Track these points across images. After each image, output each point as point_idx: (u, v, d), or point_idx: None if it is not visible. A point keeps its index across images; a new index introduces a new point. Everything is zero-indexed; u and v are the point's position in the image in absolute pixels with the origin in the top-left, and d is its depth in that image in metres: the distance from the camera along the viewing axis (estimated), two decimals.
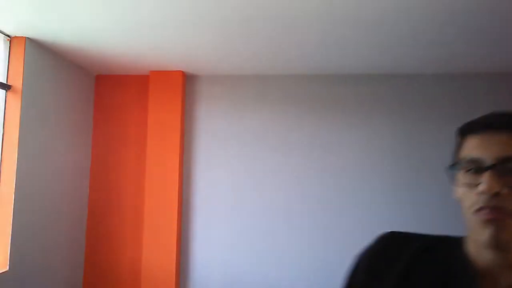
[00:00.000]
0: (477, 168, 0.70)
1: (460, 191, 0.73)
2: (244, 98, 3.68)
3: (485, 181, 0.67)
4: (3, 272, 2.59)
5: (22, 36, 2.79)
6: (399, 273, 0.76)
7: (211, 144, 3.67)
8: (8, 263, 2.63)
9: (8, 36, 2.78)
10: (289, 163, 3.60)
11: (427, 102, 3.54)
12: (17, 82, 2.76)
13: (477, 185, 0.69)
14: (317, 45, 2.89)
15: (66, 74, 3.34)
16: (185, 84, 3.73)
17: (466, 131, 0.77)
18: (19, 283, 2.73)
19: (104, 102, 3.83)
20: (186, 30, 2.63)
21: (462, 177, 0.73)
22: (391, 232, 0.84)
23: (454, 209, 3.48)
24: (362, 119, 3.58)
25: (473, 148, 0.72)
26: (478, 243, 0.71)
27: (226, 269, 3.58)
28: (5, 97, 2.75)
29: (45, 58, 3.03)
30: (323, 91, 3.64)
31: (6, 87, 2.73)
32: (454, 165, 0.75)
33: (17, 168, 2.70)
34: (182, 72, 3.62)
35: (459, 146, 0.77)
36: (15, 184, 2.69)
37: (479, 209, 0.68)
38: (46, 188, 3.06)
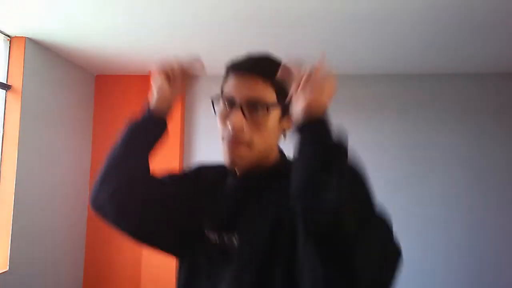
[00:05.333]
0: (230, 105, 0.83)
1: (218, 120, 0.86)
2: None
3: (232, 119, 0.81)
4: (3, 272, 2.59)
5: (22, 36, 2.78)
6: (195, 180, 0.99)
7: (211, 144, 3.66)
8: (8, 263, 2.63)
9: (8, 36, 2.77)
10: None
11: (429, 102, 3.53)
12: (17, 82, 2.76)
13: (224, 117, 0.84)
14: (317, 45, 2.89)
15: (66, 74, 3.34)
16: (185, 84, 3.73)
17: (229, 68, 0.87)
18: (19, 283, 2.73)
19: (104, 102, 3.83)
20: (186, 30, 2.63)
21: (220, 109, 0.86)
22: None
23: (455, 207, 3.45)
24: (362, 119, 3.58)
25: (230, 86, 0.85)
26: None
27: None
28: (5, 97, 2.75)
29: (45, 58, 3.03)
30: None
31: (6, 87, 2.72)
32: (217, 98, 0.87)
33: (17, 168, 2.70)
34: None
35: (224, 81, 0.88)
36: (15, 184, 2.68)
37: (226, 139, 0.83)
38: (46, 188, 3.05)
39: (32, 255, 2.88)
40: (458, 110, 3.49)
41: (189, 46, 2.96)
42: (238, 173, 0.89)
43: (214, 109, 0.89)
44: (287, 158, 0.92)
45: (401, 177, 3.49)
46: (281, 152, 0.93)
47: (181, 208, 0.93)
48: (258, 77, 0.82)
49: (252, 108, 0.82)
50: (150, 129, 0.93)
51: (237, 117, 0.80)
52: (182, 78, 0.94)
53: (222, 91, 0.87)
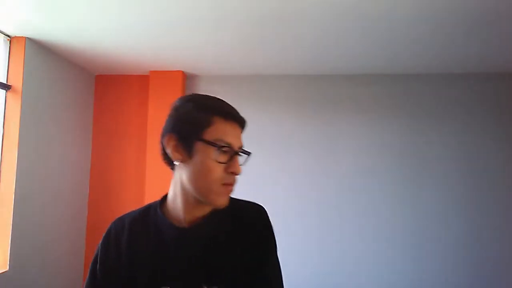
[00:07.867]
0: (230, 151, 0.90)
1: (210, 163, 0.89)
2: (244, 98, 3.68)
3: (237, 165, 0.91)
4: (3, 272, 2.59)
5: (22, 36, 2.79)
6: (124, 250, 0.93)
7: None
8: (8, 263, 2.63)
9: (8, 36, 2.78)
10: (290, 164, 3.59)
11: (429, 102, 3.53)
12: (17, 82, 2.76)
13: (225, 163, 0.89)
14: (317, 45, 2.89)
15: (66, 74, 3.34)
16: (185, 84, 3.73)
17: (214, 112, 0.91)
18: (19, 283, 2.73)
19: (104, 102, 3.83)
20: (186, 30, 2.63)
21: (215, 153, 0.88)
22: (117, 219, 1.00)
23: (454, 209, 3.44)
24: (362, 119, 3.58)
25: (226, 133, 0.89)
26: (213, 203, 0.92)
27: None
28: (5, 97, 2.75)
29: (45, 58, 3.03)
30: (324, 91, 3.64)
31: (6, 87, 2.73)
32: (209, 141, 0.88)
33: (17, 168, 2.70)
34: (182, 72, 3.62)
35: (207, 122, 0.90)
36: (15, 184, 2.69)
37: (227, 184, 0.91)
38: (46, 188, 3.06)
39: (32, 255, 2.88)
40: (457, 110, 3.49)
41: (190, 46, 2.96)
42: (186, 223, 0.94)
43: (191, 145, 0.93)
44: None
45: (400, 176, 3.49)
46: None
47: None
48: (242, 129, 0.95)
49: (239, 155, 0.94)
50: None
51: (238, 163, 0.92)
52: None
53: (204, 137, 0.90)
